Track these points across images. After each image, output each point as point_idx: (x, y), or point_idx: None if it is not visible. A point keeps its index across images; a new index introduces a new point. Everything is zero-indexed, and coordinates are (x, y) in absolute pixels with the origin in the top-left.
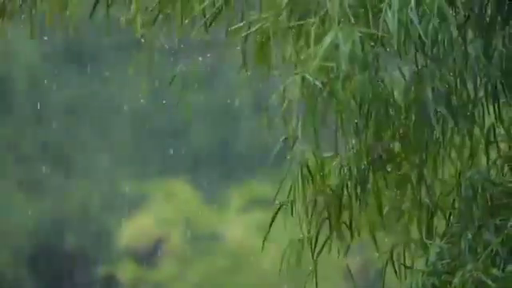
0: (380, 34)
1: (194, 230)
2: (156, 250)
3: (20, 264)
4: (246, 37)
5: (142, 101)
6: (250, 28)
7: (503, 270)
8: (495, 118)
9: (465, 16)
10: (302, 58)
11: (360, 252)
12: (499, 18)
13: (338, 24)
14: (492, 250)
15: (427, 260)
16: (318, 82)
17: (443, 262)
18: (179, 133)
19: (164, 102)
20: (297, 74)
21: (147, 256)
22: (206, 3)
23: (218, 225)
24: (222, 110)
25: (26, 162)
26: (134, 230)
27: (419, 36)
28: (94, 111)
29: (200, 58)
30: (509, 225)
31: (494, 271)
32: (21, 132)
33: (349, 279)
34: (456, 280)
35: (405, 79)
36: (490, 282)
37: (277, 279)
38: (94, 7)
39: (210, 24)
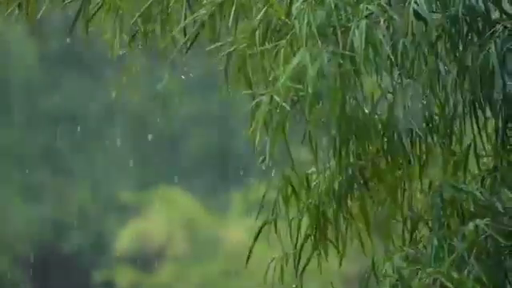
0: (348, 52)
1: (194, 235)
2: (156, 254)
3: (19, 268)
4: (227, 58)
5: (141, 105)
6: (226, 49)
7: (467, 275)
8: (473, 133)
9: (438, 33)
10: (271, 78)
11: (359, 258)
12: (473, 35)
13: (306, 44)
14: (457, 255)
15: (393, 265)
16: (285, 104)
17: (408, 267)
18: (179, 137)
19: (161, 107)
20: (263, 94)
21: (147, 260)
22: (185, 22)
23: (219, 229)
24: (221, 113)
25: (25, 165)
26: (133, 234)
27: (388, 55)
28: (93, 114)
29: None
30: (466, 230)
31: (454, 275)
32: (20, 135)
33: (349, 285)
34: (414, 283)
35: (376, 97)
36: (449, 285)
37: (277, 283)
38: (74, 23)
39: (190, 46)
